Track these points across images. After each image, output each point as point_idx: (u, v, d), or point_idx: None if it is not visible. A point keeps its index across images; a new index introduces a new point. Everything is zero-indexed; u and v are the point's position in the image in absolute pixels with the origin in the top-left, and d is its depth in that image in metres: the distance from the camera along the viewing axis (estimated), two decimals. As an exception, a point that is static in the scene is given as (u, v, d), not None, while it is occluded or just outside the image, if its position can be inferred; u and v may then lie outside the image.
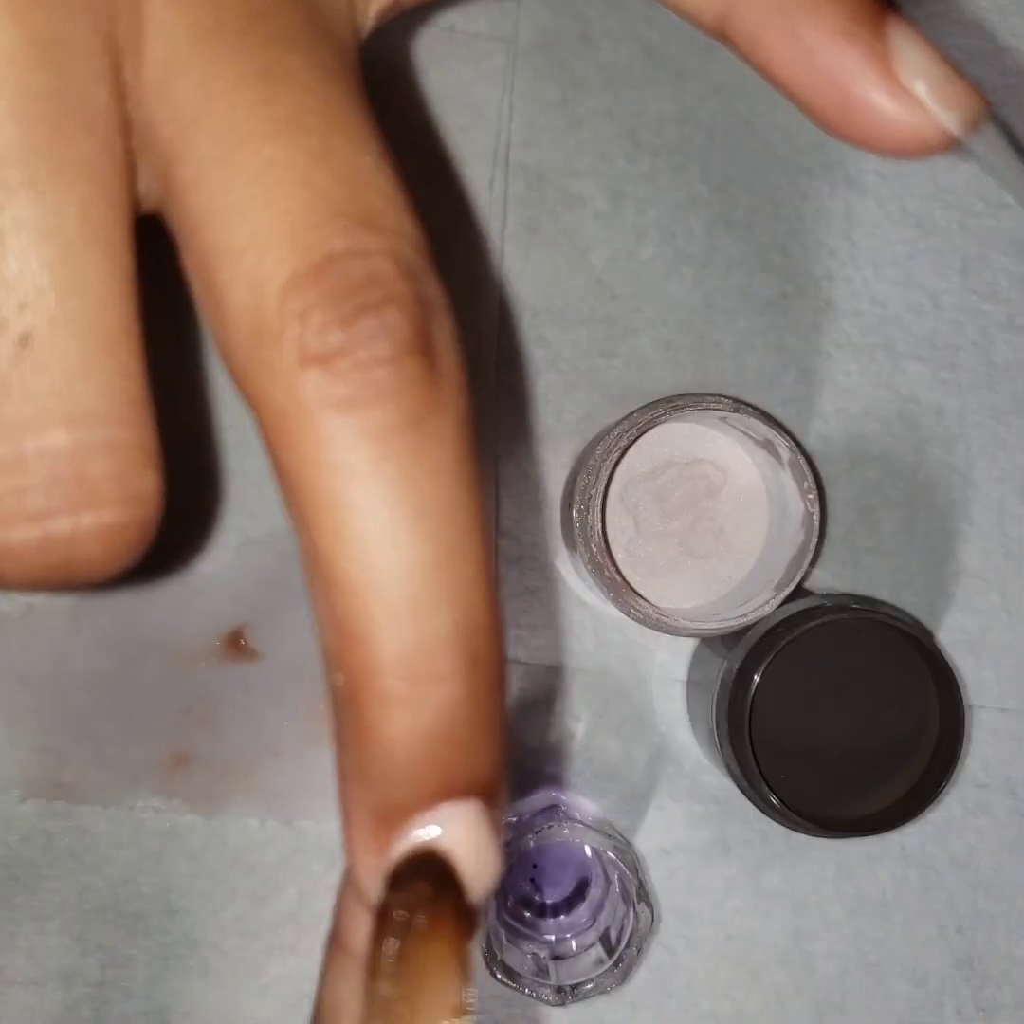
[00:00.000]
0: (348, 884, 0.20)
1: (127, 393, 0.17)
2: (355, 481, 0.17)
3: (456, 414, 0.17)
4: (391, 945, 0.17)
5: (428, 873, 0.18)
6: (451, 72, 0.46)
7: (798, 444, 0.43)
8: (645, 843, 0.46)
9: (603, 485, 0.42)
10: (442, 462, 0.17)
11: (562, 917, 0.46)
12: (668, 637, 0.46)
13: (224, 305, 0.17)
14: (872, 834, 0.42)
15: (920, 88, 0.20)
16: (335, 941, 0.21)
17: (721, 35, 0.21)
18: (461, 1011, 0.18)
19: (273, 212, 0.17)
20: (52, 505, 0.17)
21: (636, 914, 0.42)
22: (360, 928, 0.19)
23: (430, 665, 0.17)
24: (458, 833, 0.18)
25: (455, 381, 0.17)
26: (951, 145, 0.19)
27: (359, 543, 0.17)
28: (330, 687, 0.18)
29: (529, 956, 0.43)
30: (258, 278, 0.17)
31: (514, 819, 0.44)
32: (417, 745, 0.18)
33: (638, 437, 0.43)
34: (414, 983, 0.17)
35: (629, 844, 0.45)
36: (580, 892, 0.46)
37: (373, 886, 0.18)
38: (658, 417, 0.42)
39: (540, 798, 0.45)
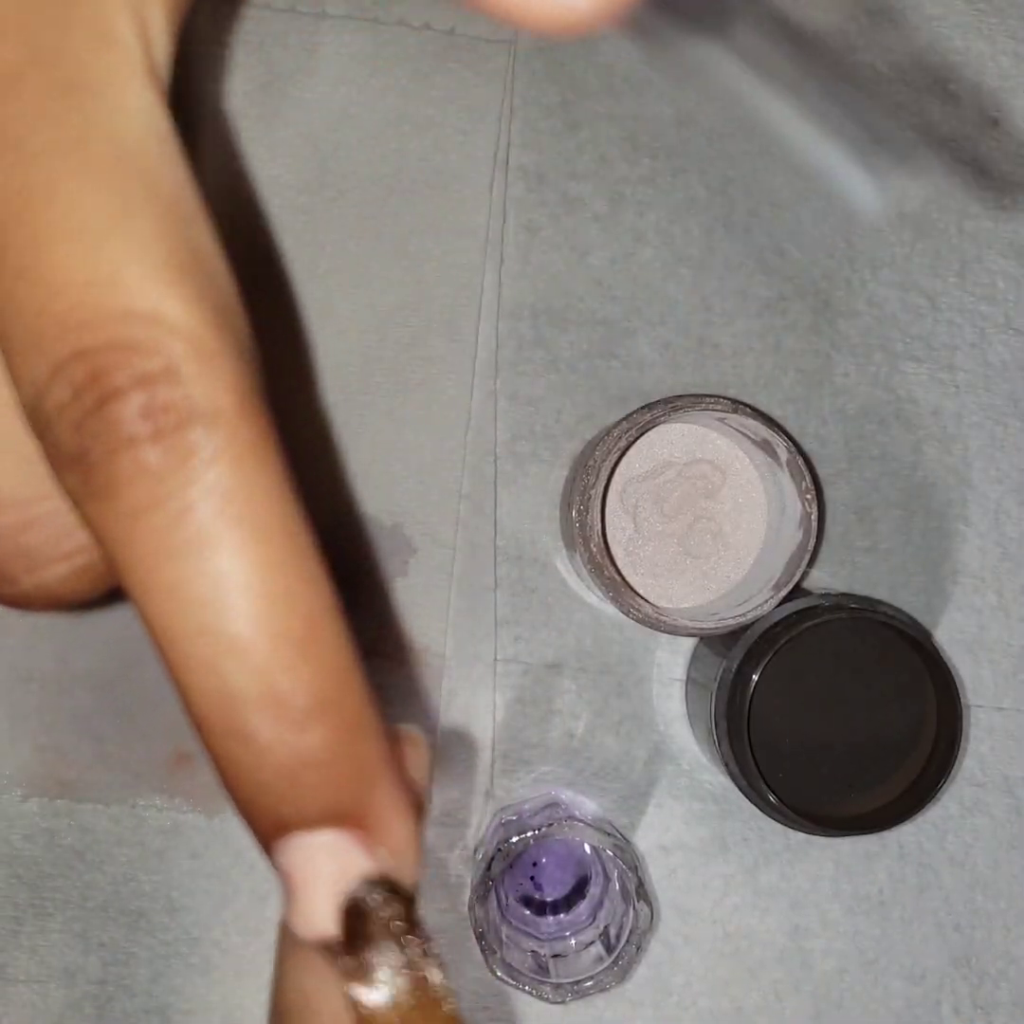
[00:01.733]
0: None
1: None
2: (126, 570, 0.17)
3: (226, 462, 0.17)
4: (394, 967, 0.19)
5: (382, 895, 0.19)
6: (451, 75, 0.47)
7: (796, 444, 0.43)
8: (644, 841, 0.47)
9: (602, 485, 0.42)
10: (228, 511, 0.17)
11: (562, 915, 0.46)
12: (667, 637, 0.46)
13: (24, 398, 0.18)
14: (870, 832, 0.42)
15: None
16: (287, 934, 0.21)
17: None
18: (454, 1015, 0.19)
19: (35, 311, 0.17)
20: (56, 553, 0.19)
21: (635, 912, 0.42)
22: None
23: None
24: (326, 862, 0.18)
25: (225, 427, 0.17)
26: (593, 23, 0.17)
27: (160, 623, 0.18)
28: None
29: (529, 954, 0.43)
30: (27, 376, 0.17)
31: (514, 818, 0.44)
32: (296, 774, 0.18)
33: (637, 437, 0.43)
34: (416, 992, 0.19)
35: (628, 842, 0.45)
36: (580, 890, 0.46)
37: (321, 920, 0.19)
38: (657, 418, 0.42)
39: (540, 797, 0.46)
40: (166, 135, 0.18)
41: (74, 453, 0.17)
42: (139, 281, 0.17)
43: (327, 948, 0.19)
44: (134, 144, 0.18)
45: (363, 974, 0.19)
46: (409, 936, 0.19)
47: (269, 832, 0.18)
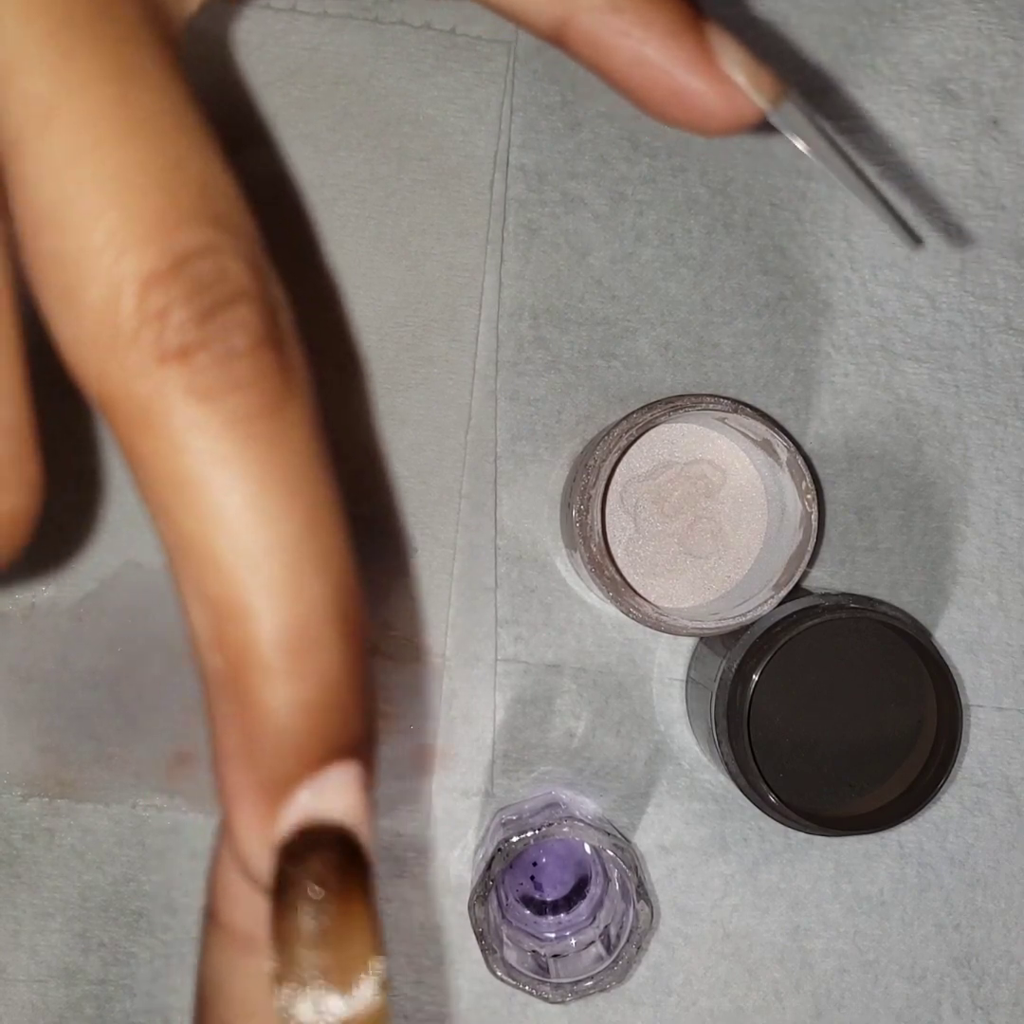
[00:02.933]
0: (223, 861, 0.21)
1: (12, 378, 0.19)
2: (221, 465, 0.18)
3: (305, 399, 0.18)
4: (308, 917, 0.18)
5: (325, 842, 0.18)
6: (452, 75, 0.47)
7: (796, 444, 0.43)
8: (644, 841, 0.47)
9: (603, 485, 0.42)
10: (299, 443, 0.18)
11: (562, 915, 0.46)
12: (667, 636, 0.46)
13: (77, 304, 0.18)
14: (870, 832, 0.42)
15: (738, 75, 0.24)
16: (212, 918, 0.21)
17: (558, 40, 0.23)
18: (378, 972, 0.18)
19: (130, 214, 0.18)
20: None
21: (635, 912, 0.42)
22: (240, 903, 0.20)
23: (309, 634, 0.18)
24: (347, 798, 0.19)
25: (302, 371, 0.19)
26: (760, 119, 0.24)
27: (231, 522, 0.18)
28: (204, 672, 0.19)
29: (529, 954, 0.43)
30: (116, 278, 0.18)
31: (514, 817, 0.44)
32: (301, 715, 0.18)
33: (637, 437, 0.43)
34: (337, 951, 0.18)
35: (628, 842, 0.45)
36: (580, 890, 0.46)
37: (263, 862, 0.19)
38: (657, 417, 0.42)
39: (540, 796, 0.46)
40: (188, 100, 0.19)
41: (187, 344, 0.18)
42: (229, 198, 0.19)
43: (250, 942, 0.19)
44: (173, 98, 0.19)
45: (286, 979, 0.18)
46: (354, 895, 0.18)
47: (276, 789, 0.18)
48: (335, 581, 0.19)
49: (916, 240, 0.25)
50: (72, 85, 0.18)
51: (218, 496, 0.18)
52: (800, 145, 0.26)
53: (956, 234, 0.48)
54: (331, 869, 0.18)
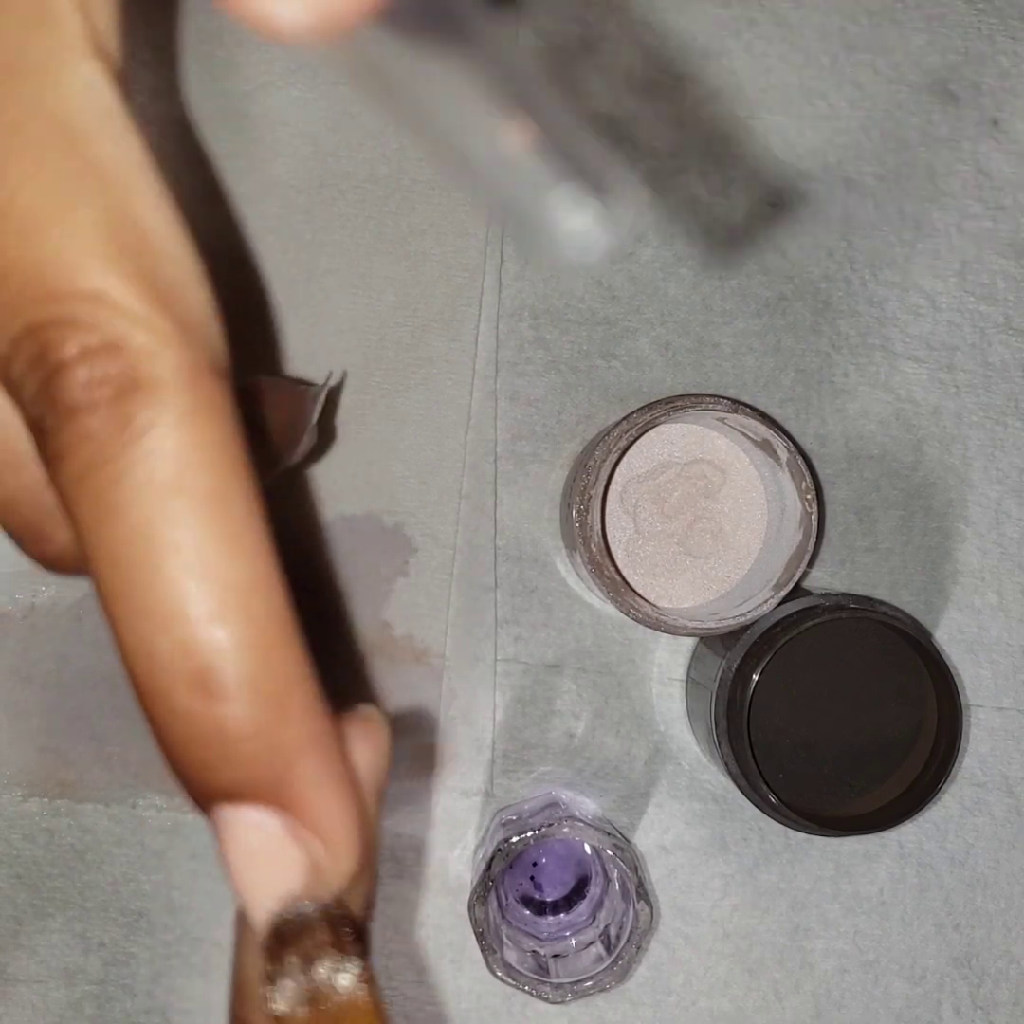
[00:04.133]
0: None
1: None
2: (101, 520, 0.18)
3: (164, 430, 0.18)
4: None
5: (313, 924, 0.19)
6: (451, 75, 0.46)
7: (796, 444, 0.43)
8: (644, 841, 0.47)
9: (603, 485, 0.42)
10: (162, 477, 0.18)
11: (562, 915, 0.46)
12: (667, 636, 0.46)
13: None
14: (870, 832, 0.42)
15: None
16: (242, 917, 0.22)
17: None
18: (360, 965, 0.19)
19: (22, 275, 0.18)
20: None
21: (635, 912, 0.42)
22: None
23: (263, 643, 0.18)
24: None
25: (167, 396, 0.18)
26: (302, 38, 0.16)
27: (126, 571, 0.18)
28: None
29: (529, 954, 0.43)
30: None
31: (514, 817, 0.44)
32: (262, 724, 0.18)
33: (637, 437, 0.43)
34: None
35: (628, 842, 0.45)
36: (580, 890, 0.46)
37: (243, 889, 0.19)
38: (657, 418, 0.42)
39: (540, 797, 0.46)
40: (112, 110, 0.18)
41: (33, 422, 0.18)
42: (82, 261, 0.17)
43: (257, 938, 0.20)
44: (75, 122, 0.18)
45: (272, 981, 0.19)
46: (331, 957, 0.19)
47: (198, 799, 0.19)
48: (264, 574, 0.18)
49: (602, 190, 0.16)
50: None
51: (85, 557, 0.18)
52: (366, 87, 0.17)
53: (956, 233, 0.48)
54: (322, 943, 0.19)
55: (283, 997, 0.19)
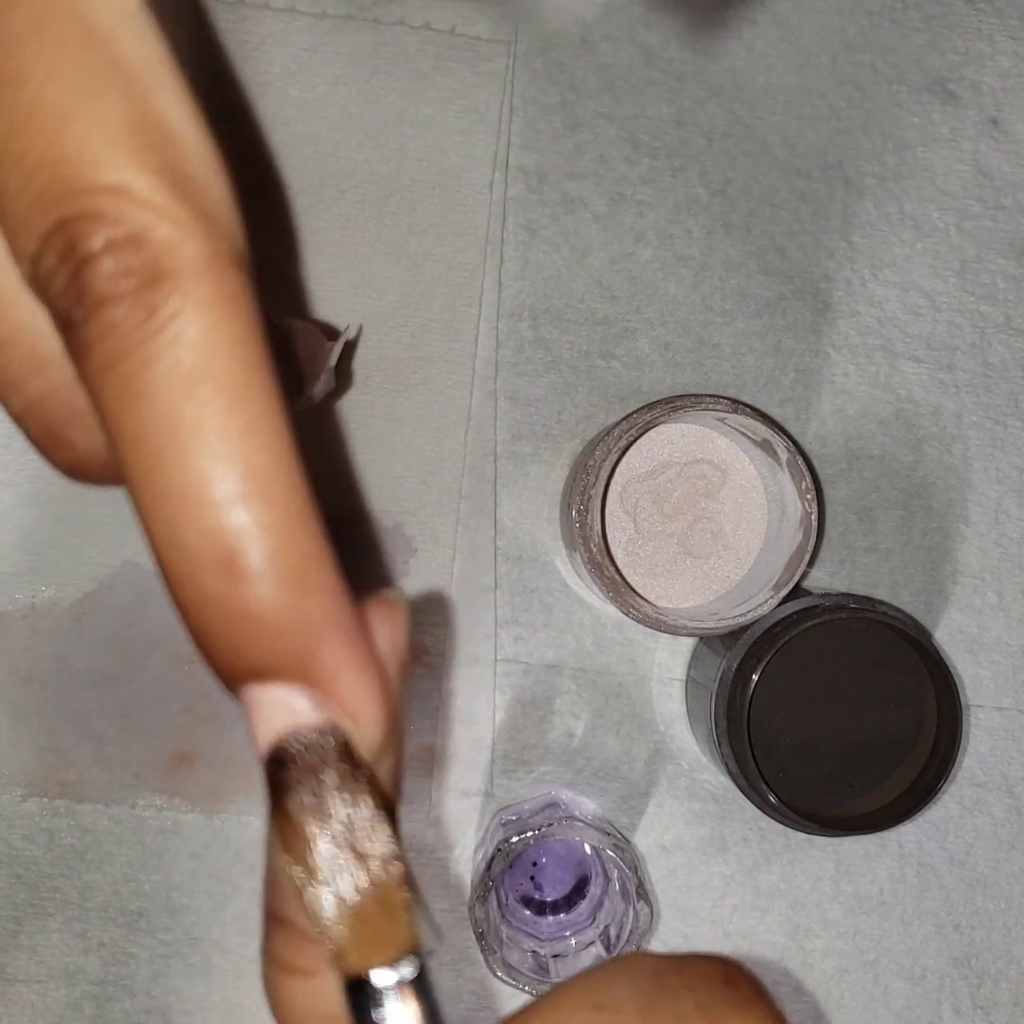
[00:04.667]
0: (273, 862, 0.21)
1: None
2: (127, 408, 0.18)
3: (188, 318, 0.18)
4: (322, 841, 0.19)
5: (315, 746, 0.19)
6: (451, 75, 0.47)
7: (796, 444, 0.43)
8: (644, 841, 0.47)
9: (602, 485, 0.42)
10: (166, 376, 0.18)
11: (562, 915, 0.46)
12: (667, 636, 0.46)
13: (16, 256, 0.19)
14: (870, 832, 0.42)
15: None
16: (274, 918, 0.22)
17: None
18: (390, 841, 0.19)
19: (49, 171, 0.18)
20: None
21: (635, 912, 0.42)
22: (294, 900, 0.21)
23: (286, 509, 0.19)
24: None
25: (188, 286, 0.18)
26: None
27: (150, 449, 0.18)
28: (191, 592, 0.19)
29: (529, 954, 0.43)
30: (17, 248, 0.19)
31: (514, 817, 0.44)
32: (267, 602, 0.19)
33: (637, 437, 0.43)
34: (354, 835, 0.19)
35: (628, 842, 0.45)
36: (580, 890, 0.46)
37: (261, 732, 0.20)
38: (657, 418, 0.42)
39: (540, 797, 0.46)
40: (133, 11, 0.19)
41: (62, 317, 0.18)
42: (106, 156, 0.18)
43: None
44: (99, 23, 0.19)
45: (300, 848, 0.19)
46: (348, 784, 0.19)
47: (227, 681, 0.19)
48: (287, 459, 0.19)
49: None
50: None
51: (112, 447, 0.18)
52: None
53: (955, 233, 0.48)
54: (328, 763, 0.19)
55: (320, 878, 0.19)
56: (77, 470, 0.22)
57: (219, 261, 0.18)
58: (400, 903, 0.19)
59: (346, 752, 0.19)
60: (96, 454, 0.21)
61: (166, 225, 0.18)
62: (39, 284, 0.18)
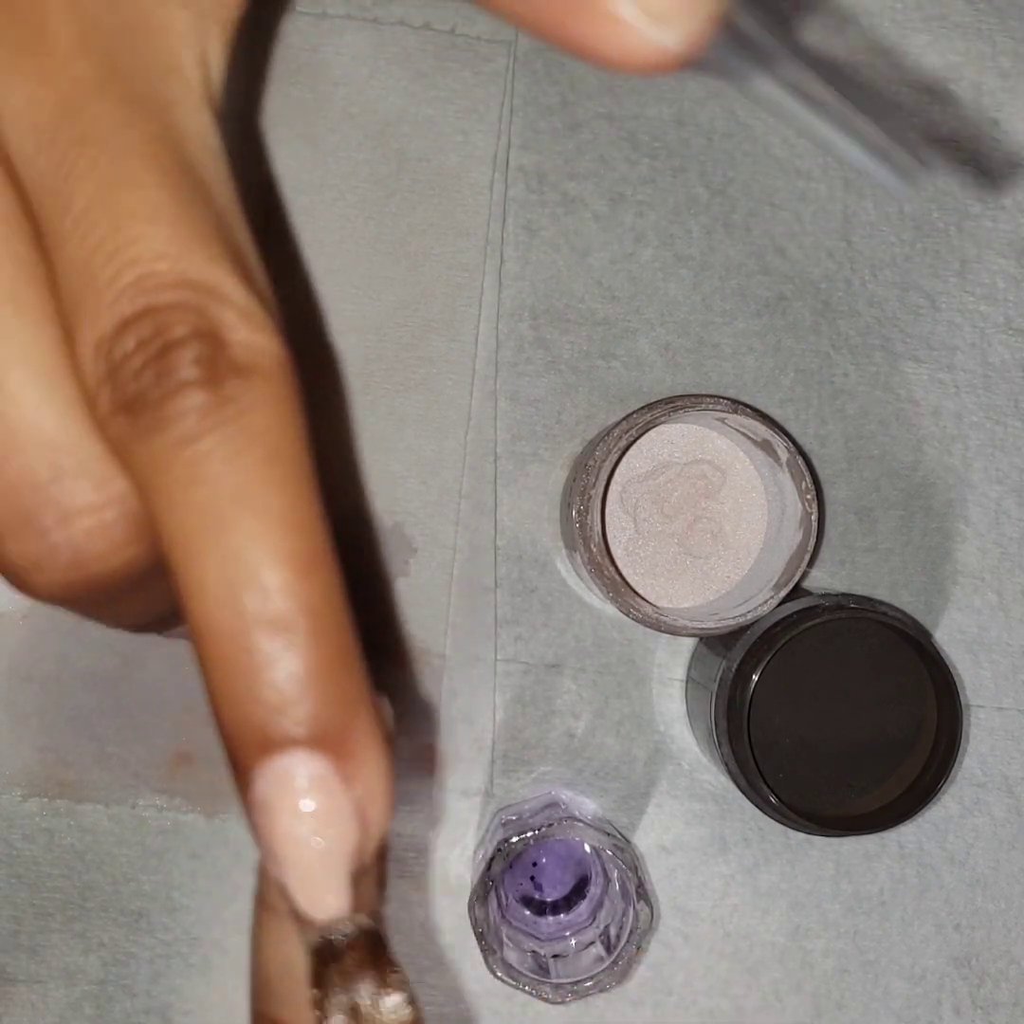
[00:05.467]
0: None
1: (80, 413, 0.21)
2: (170, 492, 0.20)
3: (256, 419, 0.20)
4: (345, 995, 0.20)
5: (354, 943, 0.20)
6: (451, 75, 0.47)
7: (796, 444, 0.43)
8: (644, 841, 0.47)
9: (602, 485, 0.42)
10: (236, 458, 0.20)
11: (562, 915, 0.46)
12: (667, 636, 0.46)
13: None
14: (870, 832, 0.42)
15: (626, 11, 0.19)
16: (265, 905, 0.22)
17: None
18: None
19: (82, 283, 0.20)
20: (50, 523, 0.21)
21: (635, 912, 0.42)
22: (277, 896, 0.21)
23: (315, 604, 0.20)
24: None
25: (256, 390, 0.20)
26: (679, 61, 0.19)
27: (200, 536, 0.20)
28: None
29: (529, 954, 0.43)
30: (73, 344, 0.20)
31: (514, 817, 0.44)
32: (291, 685, 0.20)
33: (637, 438, 0.43)
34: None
35: (628, 842, 0.45)
36: (580, 890, 0.46)
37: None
38: (657, 418, 0.42)
39: (540, 797, 0.46)
40: (218, 152, 0.22)
41: (132, 395, 0.19)
42: (201, 259, 0.20)
43: (299, 919, 0.20)
44: (194, 155, 0.21)
45: (321, 1006, 0.20)
46: (370, 978, 0.20)
47: (253, 751, 0.19)
48: (292, 568, 0.20)
49: (923, 167, 0.21)
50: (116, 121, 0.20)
51: (162, 519, 0.20)
52: (752, 92, 0.20)
53: (956, 233, 0.48)
54: (363, 963, 0.20)
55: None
56: (45, 561, 0.22)
57: (289, 365, 0.20)
58: None
59: (379, 945, 0.20)
60: (68, 545, 0.22)
61: (249, 326, 0.20)
62: (105, 363, 0.20)
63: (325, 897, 0.20)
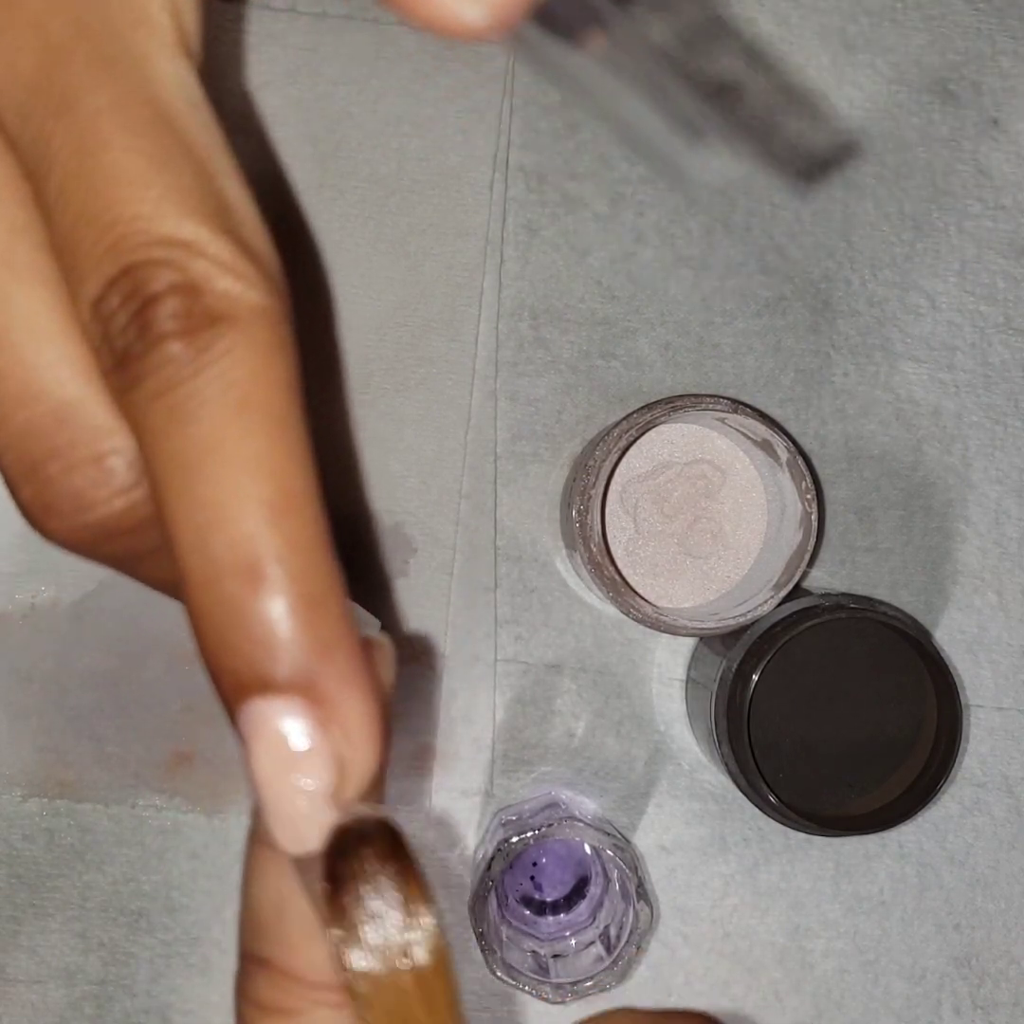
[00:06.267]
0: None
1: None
2: (155, 439, 0.20)
3: (236, 364, 0.20)
4: (368, 904, 0.19)
5: (371, 834, 0.20)
6: (451, 75, 0.47)
7: (796, 444, 0.43)
8: (644, 841, 0.47)
9: (602, 485, 0.42)
10: (216, 405, 0.20)
11: (562, 915, 0.46)
12: (667, 636, 0.46)
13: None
14: (870, 832, 0.42)
15: None
16: (259, 840, 0.22)
17: None
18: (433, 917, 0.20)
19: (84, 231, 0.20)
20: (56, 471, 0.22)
21: (635, 912, 0.42)
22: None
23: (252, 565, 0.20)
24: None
25: (234, 336, 0.20)
26: (487, 34, 0.20)
27: (224, 478, 0.20)
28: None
29: (529, 954, 0.43)
30: (74, 307, 0.21)
31: (514, 818, 0.44)
32: (280, 623, 0.20)
33: (637, 437, 0.43)
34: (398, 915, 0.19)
35: (628, 842, 0.45)
36: (580, 890, 0.46)
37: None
38: (657, 418, 0.42)
39: (540, 797, 0.46)
40: (198, 101, 0.21)
41: (120, 352, 0.20)
42: (176, 216, 0.20)
43: (301, 863, 0.20)
44: (169, 108, 0.21)
45: (347, 925, 0.19)
46: (398, 886, 0.19)
47: (231, 692, 0.20)
48: (272, 498, 0.20)
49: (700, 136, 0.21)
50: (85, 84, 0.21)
51: (149, 468, 0.20)
52: (557, 71, 0.21)
53: (956, 233, 0.48)
54: (382, 859, 0.19)
55: (365, 952, 0.19)
56: (45, 511, 0.22)
57: (271, 314, 0.21)
58: (440, 989, 0.19)
59: (398, 843, 0.20)
60: (67, 497, 0.22)
61: (228, 277, 0.20)
62: (98, 323, 0.20)
63: (302, 834, 0.20)
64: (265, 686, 0.19)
